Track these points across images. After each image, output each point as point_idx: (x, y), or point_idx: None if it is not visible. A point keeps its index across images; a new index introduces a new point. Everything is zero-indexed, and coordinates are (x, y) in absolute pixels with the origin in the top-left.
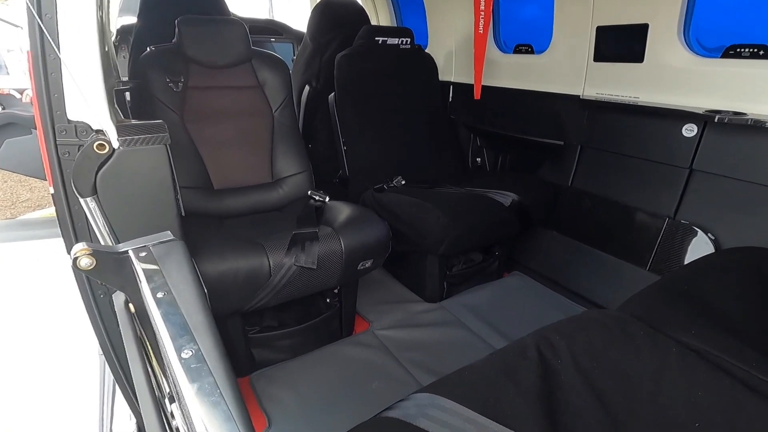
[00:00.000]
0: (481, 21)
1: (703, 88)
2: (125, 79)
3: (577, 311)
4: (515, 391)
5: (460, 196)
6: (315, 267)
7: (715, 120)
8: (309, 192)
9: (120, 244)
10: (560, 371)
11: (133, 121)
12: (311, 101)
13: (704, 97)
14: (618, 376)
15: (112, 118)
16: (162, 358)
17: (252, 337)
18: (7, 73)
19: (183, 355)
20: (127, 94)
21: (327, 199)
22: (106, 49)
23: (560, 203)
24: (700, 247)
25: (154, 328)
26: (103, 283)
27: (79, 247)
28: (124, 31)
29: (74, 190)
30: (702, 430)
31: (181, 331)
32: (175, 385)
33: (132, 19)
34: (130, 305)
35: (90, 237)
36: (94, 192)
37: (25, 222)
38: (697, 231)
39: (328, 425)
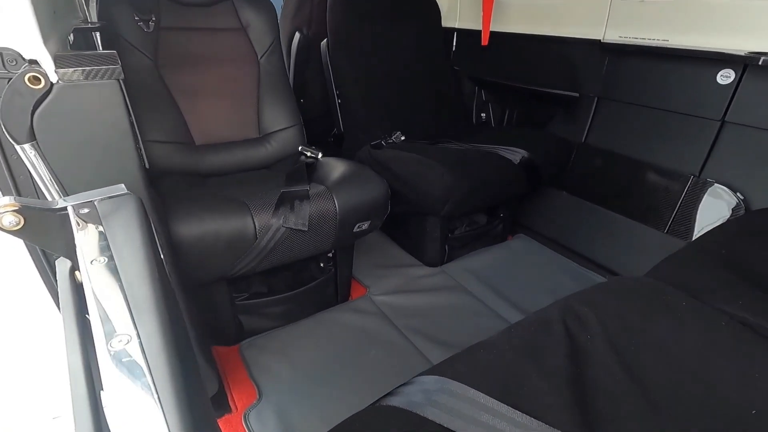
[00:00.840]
0: None
1: (748, 27)
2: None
3: (588, 276)
4: (539, 373)
5: (464, 153)
6: (306, 228)
7: (760, 62)
8: (300, 147)
9: (57, 200)
10: (591, 349)
11: (77, 52)
12: (302, 50)
13: (748, 38)
14: (659, 353)
15: (48, 46)
16: None
17: (240, 304)
18: None
19: (112, 345)
20: (98, 36)
21: (320, 155)
22: None
23: (572, 161)
24: (726, 207)
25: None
26: (31, 243)
27: (3, 202)
28: None
29: (6, 134)
30: (760, 417)
31: (115, 311)
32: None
33: None
34: (77, 273)
35: (36, 193)
36: (32, 137)
37: None
38: (724, 190)
39: (323, 397)
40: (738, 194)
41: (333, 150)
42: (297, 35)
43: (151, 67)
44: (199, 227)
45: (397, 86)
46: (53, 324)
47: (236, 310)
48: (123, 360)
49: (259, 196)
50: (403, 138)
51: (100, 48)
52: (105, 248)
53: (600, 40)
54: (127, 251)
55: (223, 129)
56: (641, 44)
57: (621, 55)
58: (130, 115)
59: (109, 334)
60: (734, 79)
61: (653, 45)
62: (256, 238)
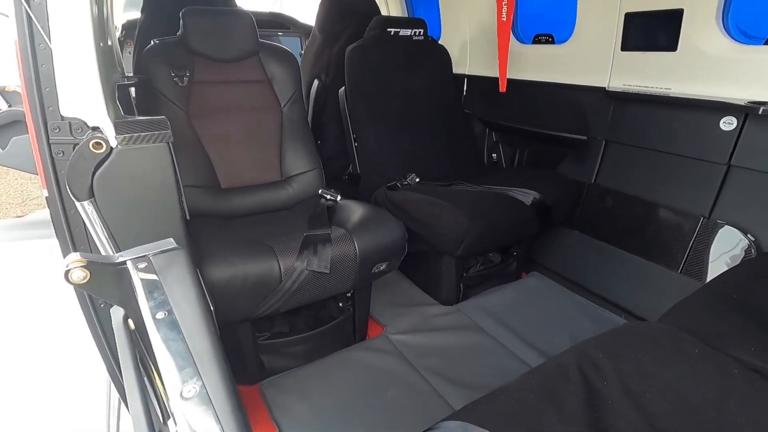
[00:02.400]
0: (504, 8)
1: (744, 78)
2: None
3: (602, 315)
4: (557, 418)
5: (478, 195)
6: (328, 271)
7: (759, 112)
8: (320, 190)
9: (117, 254)
10: (607, 395)
11: (133, 117)
12: (320, 96)
13: (745, 88)
14: (674, 400)
15: (110, 114)
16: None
17: (262, 343)
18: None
19: (185, 393)
20: (132, 90)
21: (339, 197)
22: (109, 43)
23: (583, 201)
24: (738, 249)
25: (155, 353)
26: (95, 296)
27: (72, 258)
28: (129, 26)
29: (69, 192)
30: None
31: (183, 363)
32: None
33: (136, 15)
34: (129, 321)
35: (88, 244)
36: (91, 195)
37: (35, 221)
38: (735, 231)
39: None
40: (749, 236)
41: (348, 188)
42: (316, 82)
43: (183, 117)
44: (228, 270)
45: (410, 130)
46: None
47: (258, 349)
48: (195, 407)
49: (284, 239)
50: (417, 180)
51: (134, 99)
52: (164, 302)
53: (605, 88)
54: (185, 305)
55: (248, 173)
56: (644, 92)
57: (626, 101)
58: (176, 173)
59: (181, 383)
60: (737, 125)
61: (656, 93)
62: (281, 281)
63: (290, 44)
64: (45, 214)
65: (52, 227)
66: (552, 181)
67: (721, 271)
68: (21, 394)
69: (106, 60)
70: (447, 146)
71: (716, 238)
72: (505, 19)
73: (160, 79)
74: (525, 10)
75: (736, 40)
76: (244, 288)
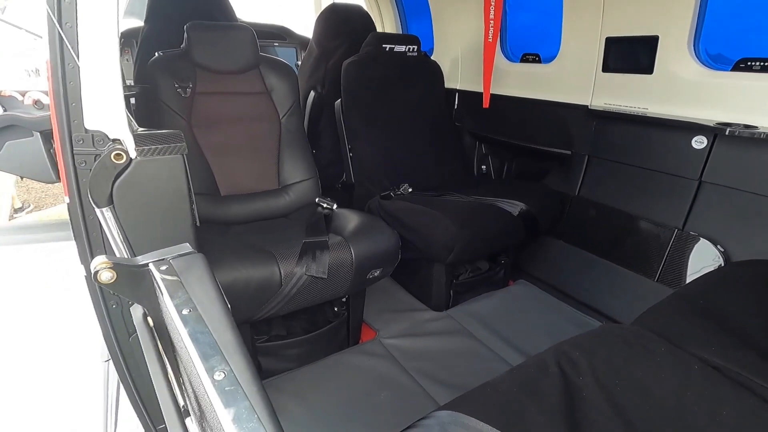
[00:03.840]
0: (491, 30)
1: (714, 101)
2: (129, 82)
3: (584, 320)
4: (537, 408)
5: (468, 205)
6: (326, 276)
7: (726, 133)
8: (317, 199)
9: (139, 257)
10: (582, 388)
11: (150, 131)
12: (316, 106)
13: (714, 110)
14: (640, 392)
15: (129, 127)
16: (180, 373)
17: (260, 346)
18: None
19: (216, 377)
20: (132, 100)
21: (335, 206)
22: None
23: (567, 212)
24: (709, 258)
25: (178, 346)
26: (120, 295)
27: (100, 260)
28: (127, 34)
29: (90, 200)
30: None
31: (211, 351)
32: (201, 407)
33: (135, 23)
34: (149, 319)
35: (104, 247)
36: (110, 202)
37: (24, 226)
38: (706, 243)
39: None
40: (719, 247)
41: (341, 196)
42: (312, 93)
43: (185, 126)
44: (232, 274)
45: (404, 142)
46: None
47: (256, 351)
48: (226, 389)
49: (283, 245)
50: (410, 190)
51: (133, 106)
52: (188, 300)
53: (587, 106)
54: (207, 302)
55: (247, 181)
56: (624, 111)
57: (607, 119)
58: (188, 182)
59: (211, 370)
60: (707, 144)
61: (634, 113)
62: (281, 285)
63: (286, 54)
64: (32, 218)
65: (42, 232)
66: (538, 193)
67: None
68: (16, 393)
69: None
70: (438, 158)
71: (690, 248)
72: (491, 40)
73: (164, 90)
74: (514, 31)
75: (705, 65)
76: (246, 291)
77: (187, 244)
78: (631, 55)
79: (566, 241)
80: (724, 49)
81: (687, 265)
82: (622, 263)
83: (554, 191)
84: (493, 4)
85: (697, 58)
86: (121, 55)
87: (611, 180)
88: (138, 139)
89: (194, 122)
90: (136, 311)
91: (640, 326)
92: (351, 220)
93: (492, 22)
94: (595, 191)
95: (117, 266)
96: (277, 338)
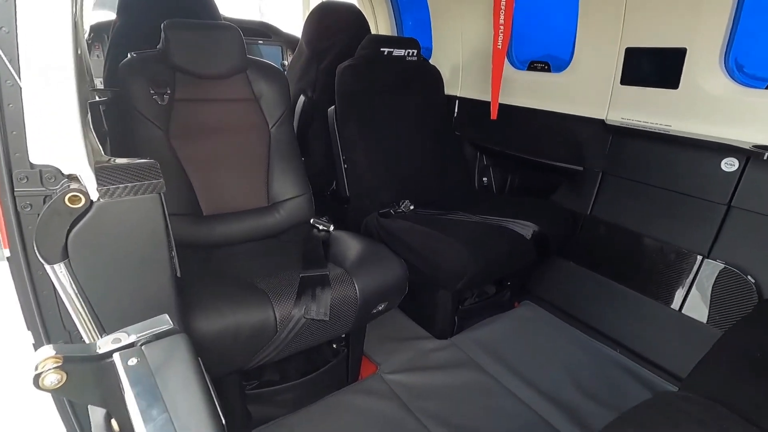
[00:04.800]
0: (500, 36)
1: (746, 121)
2: (99, 81)
3: (596, 348)
4: None
5: (477, 227)
6: (327, 318)
7: (765, 157)
8: (311, 220)
9: (100, 342)
10: None
11: (117, 161)
12: (306, 112)
13: (746, 129)
14: None
15: (89, 159)
16: None
17: (250, 393)
18: None
19: None
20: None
21: (332, 227)
22: (79, 52)
23: (578, 233)
24: (738, 289)
25: None
26: (72, 400)
27: (43, 356)
28: (99, 28)
29: (37, 254)
30: None
31: None
32: None
33: (108, 15)
34: (113, 422)
35: (59, 313)
36: (64, 256)
37: None
38: (735, 272)
39: None
40: (749, 277)
41: (331, 205)
42: (302, 98)
43: (162, 138)
44: (219, 322)
45: (403, 153)
46: None
47: (245, 399)
48: None
49: (278, 281)
50: (411, 207)
51: (104, 118)
52: (161, 406)
53: (604, 120)
54: (191, 418)
55: (232, 198)
56: (644, 128)
57: (624, 135)
58: (167, 227)
59: None
60: (738, 167)
61: (656, 130)
62: (277, 331)
63: (271, 53)
64: None
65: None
66: (550, 212)
67: (722, 311)
68: None
69: (79, 78)
70: (439, 170)
71: (717, 278)
72: (500, 47)
73: (138, 97)
74: (521, 37)
75: (738, 82)
76: (236, 341)
77: (166, 317)
78: (654, 67)
79: (577, 262)
80: (758, 65)
81: (715, 297)
82: (638, 289)
83: (566, 210)
84: (503, 8)
85: (729, 73)
86: (90, 51)
87: (628, 200)
88: (101, 174)
89: (173, 133)
90: (96, 412)
91: (698, 390)
92: (352, 246)
93: (502, 27)
94: (610, 211)
95: (68, 364)
96: (270, 384)
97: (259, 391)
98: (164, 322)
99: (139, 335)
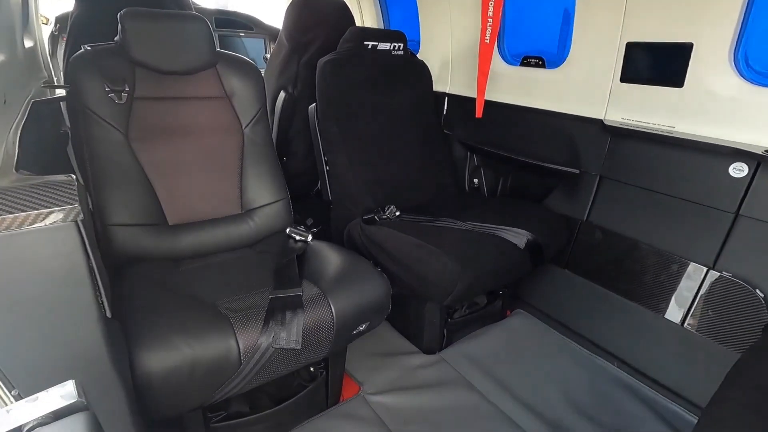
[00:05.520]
0: (488, 30)
1: (758, 123)
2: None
3: (592, 361)
4: None
5: (467, 236)
6: (299, 347)
7: None
8: (288, 229)
9: None
10: None
11: (24, 179)
12: (287, 109)
13: (757, 133)
14: None
15: None
16: None
17: (216, 425)
18: None
19: None
20: (64, 107)
21: (310, 237)
22: (30, 44)
23: (574, 239)
24: (746, 304)
25: None
26: None
27: None
28: (64, 19)
29: None
30: None
31: None
32: None
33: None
34: None
35: None
36: None
37: None
38: (744, 286)
39: None
40: (758, 291)
41: (316, 205)
42: (282, 94)
43: (120, 141)
44: (171, 357)
45: (388, 154)
46: None
47: None
48: None
49: (243, 302)
50: (397, 213)
51: (67, 118)
52: None
53: (602, 120)
54: None
55: (201, 205)
56: (646, 129)
57: (624, 136)
58: (89, 258)
59: None
60: (748, 173)
61: (659, 132)
62: (240, 364)
63: (253, 45)
64: None
65: None
66: (544, 218)
67: (728, 326)
68: None
69: (15, 71)
70: (426, 171)
71: (722, 291)
72: (488, 41)
73: (91, 96)
74: (513, 30)
75: (749, 80)
76: (192, 378)
77: (71, 385)
78: (657, 64)
79: (573, 270)
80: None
81: (722, 312)
82: (637, 300)
83: (561, 216)
84: (492, 0)
85: (739, 71)
86: (56, 44)
87: (627, 205)
88: None
89: (133, 135)
90: None
91: None
92: (330, 261)
93: (490, 20)
94: (608, 217)
95: None
96: (239, 415)
97: (227, 423)
98: (68, 393)
99: (30, 414)
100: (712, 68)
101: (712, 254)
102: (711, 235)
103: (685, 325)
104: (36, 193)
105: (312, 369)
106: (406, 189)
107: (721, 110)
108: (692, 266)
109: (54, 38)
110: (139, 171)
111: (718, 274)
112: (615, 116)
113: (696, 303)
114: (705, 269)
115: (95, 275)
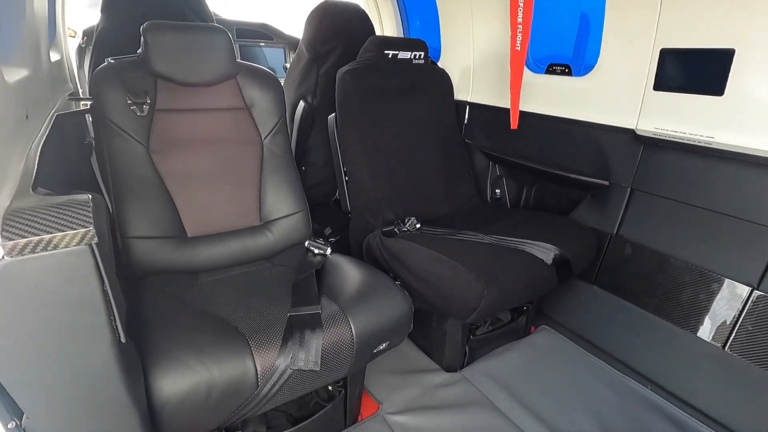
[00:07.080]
0: (519, 36)
1: None
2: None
3: (623, 382)
4: None
5: (491, 250)
6: (318, 368)
7: None
8: (306, 243)
9: None
10: None
11: (39, 201)
12: (306, 119)
13: None
14: None
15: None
16: None
17: None
18: None
19: None
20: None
21: (328, 251)
22: (57, 57)
23: (603, 254)
24: None
25: None
26: None
27: None
28: (91, 32)
29: None
30: None
31: None
32: None
33: None
34: None
35: None
36: None
37: None
38: None
39: None
40: None
41: (334, 214)
42: (301, 104)
43: (141, 153)
44: (188, 380)
45: (409, 165)
46: None
47: None
48: None
49: (261, 321)
50: (418, 225)
51: (91, 129)
52: None
53: (634, 130)
54: None
55: (220, 217)
56: (681, 139)
57: (658, 147)
58: (104, 283)
59: None
60: None
61: (696, 142)
62: (258, 386)
63: (273, 55)
64: None
65: None
66: (571, 231)
67: None
68: None
69: (39, 86)
70: (448, 182)
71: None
72: (519, 48)
73: (113, 108)
74: (539, 36)
75: None
76: (208, 400)
77: None
78: (693, 71)
79: (602, 287)
80: None
81: (763, 333)
82: (672, 319)
83: (589, 229)
84: (521, 5)
85: None
86: (84, 57)
87: (661, 220)
88: (10, 222)
89: (153, 147)
90: None
91: None
92: (350, 277)
93: (520, 26)
94: (640, 232)
95: None
96: None
97: None
98: None
99: None
100: (755, 75)
101: (756, 274)
102: (755, 252)
103: (726, 348)
104: (50, 214)
105: (330, 388)
106: (427, 200)
107: (765, 120)
108: (734, 285)
109: (81, 51)
110: (159, 183)
111: (764, 294)
112: (648, 126)
113: (739, 325)
114: (749, 289)
115: (110, 299)
